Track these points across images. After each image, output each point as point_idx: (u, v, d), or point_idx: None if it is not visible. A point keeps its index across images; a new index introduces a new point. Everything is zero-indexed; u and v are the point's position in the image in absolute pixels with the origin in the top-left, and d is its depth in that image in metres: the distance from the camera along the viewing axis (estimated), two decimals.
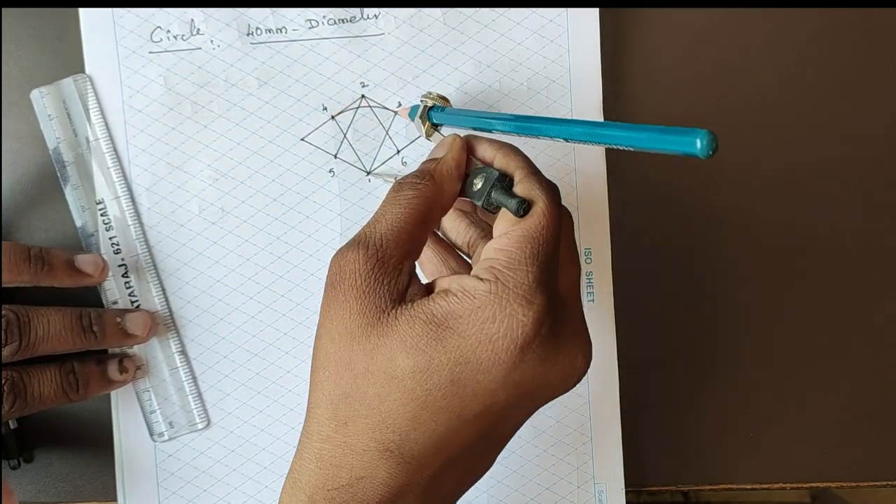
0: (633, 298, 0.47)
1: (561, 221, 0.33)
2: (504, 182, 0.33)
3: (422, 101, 0.42)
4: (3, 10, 0.46)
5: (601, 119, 0.46)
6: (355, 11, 0.45)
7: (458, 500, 0.35)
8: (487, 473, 0.46)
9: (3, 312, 0.41)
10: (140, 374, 0.46)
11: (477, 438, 0.32)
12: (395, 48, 0.46)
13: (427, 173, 0.34)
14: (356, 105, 0.46)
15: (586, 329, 0.33)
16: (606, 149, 0.46)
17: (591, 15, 0.45)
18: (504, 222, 0.33)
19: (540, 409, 0.46)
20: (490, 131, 0.36)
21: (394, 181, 0.35)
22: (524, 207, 0.32)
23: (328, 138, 0.46)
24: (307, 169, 0.46)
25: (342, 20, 0.45)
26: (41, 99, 0.45)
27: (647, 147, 0.27)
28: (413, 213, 0.33)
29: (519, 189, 0.33)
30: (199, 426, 0.46)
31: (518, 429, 0.35)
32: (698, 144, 0.25)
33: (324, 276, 0.45)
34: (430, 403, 0.30)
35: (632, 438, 0.47)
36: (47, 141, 0.45)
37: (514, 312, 0.30)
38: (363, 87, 0.46)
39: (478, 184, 0.34)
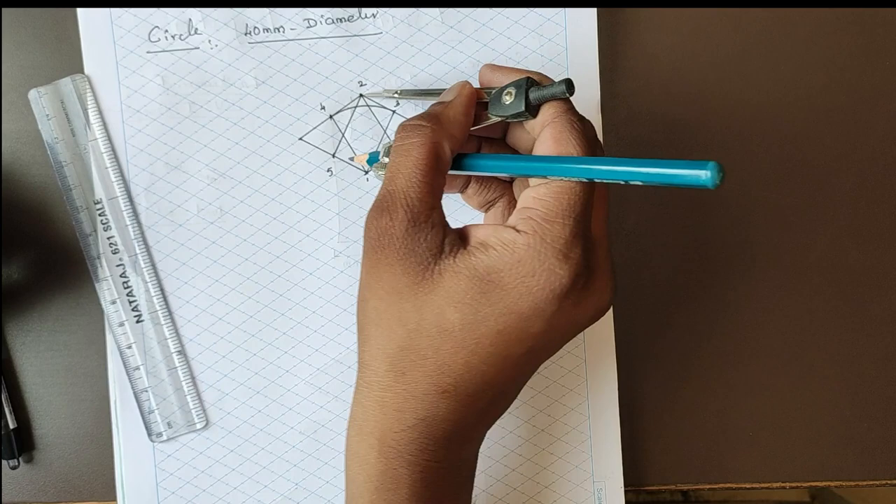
0: (632, 297, 0.47)
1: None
2: (534, 82, 0.34)
3: (382, 147, 0.41)
4: (3, 10, 0.46)
5: (599, 118, 0.46)
6: (353, 10, 0.45)
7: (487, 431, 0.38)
8: (486, 472, 0.47)
9: None
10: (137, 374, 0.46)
11: (521, 373, 0.35)
12: (392, 47, 0.46)
13: (433, 116, 0.35)
14: (354, 104, 0.46)
15: (611, 268, 0.35)
16: (605, 146, 0.46)
17: (589, 13, 0.45)
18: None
19: (538, 408, 0.46)
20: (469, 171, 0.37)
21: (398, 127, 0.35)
22: (571, 85, 0.33)
23: (326, 137, 0.46)
24: (305, 168, 0.46)
25: (340, 19, 0.45)
26: (39, 99, 0.45)
27: (652, 181, 0.29)
28: (424, 160, 0.34)
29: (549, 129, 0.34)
30: (198, 426, 0.46)
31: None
32: (704, 174, 0.27)
33: (322, 275, 0.46)
34: (479, 350, 0.32)
35: (631, 437, 0.47)
36: (45, 141, 0.45)
37: (553, 267, 0.32)
38: (361, 85, 0.46)
39: (509, 97, 0.35)
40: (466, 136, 0.36)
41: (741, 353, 0.48)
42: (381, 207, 0.33)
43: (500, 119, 0.35)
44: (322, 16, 0.45)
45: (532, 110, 0.34)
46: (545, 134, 0.33)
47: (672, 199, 0.47)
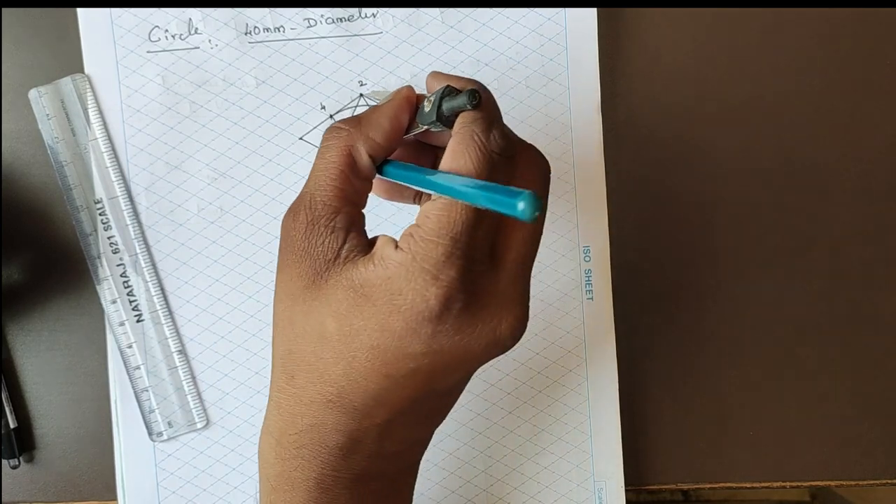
0: (633, 296, 0.47)
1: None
2: (454, 92, 0.32)
3: None
4: (3, 10, 0.46)
5: (599, 118, 0.46)
6: (353, 10, 0.45)
7: (420, 443, 0.37)
8: (487, 472, 0.47)
9: None
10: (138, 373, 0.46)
11: (416, 395, 0.32)
12: (393, 47, 0.46)
13: (355, 119, 0.34)
14: (354, 104, 0.46)
15: (519, 296, 0.32)
16: (605, 146, 0.46)
17: (589, 13, 0.45)
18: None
19: (539, 407, 0.46)
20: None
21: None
22: (475, 96, 0.31)
23: None
24: (306, 168, 0.46)
25: (340, 19, 0.45)
26: (39, 98, 0.45)
27: (480, 203, 0.28)
28: (334, 163, 0.33)
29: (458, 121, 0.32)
30: (199, 425, 0.46)
31: (464, 384, 0.36)
32: (521, 206, 0.26)
33: None
34: (357, 364, 0.31)
35: (631, 437, 0.47)
36: (45, 140, 0.45)
37: (419, 287, 0.30)
38: (361, 85, 0.46)
39: (427, 106, 0.33)
40: (394, 140, 0.34)
41: (741, 352, 0.48)
42: (291, 208, 0.33)
43: (424, 128, 0.34)
44: (322, 15, 0.45)
45: (446, 121, 0.32)
46: (448, 146, 0.32)
47: (672, 198, 0.47)
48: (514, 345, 0.32)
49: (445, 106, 0.32)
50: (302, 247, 0.32)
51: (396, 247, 0.31)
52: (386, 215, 0.46)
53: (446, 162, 0.31)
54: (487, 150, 0.31)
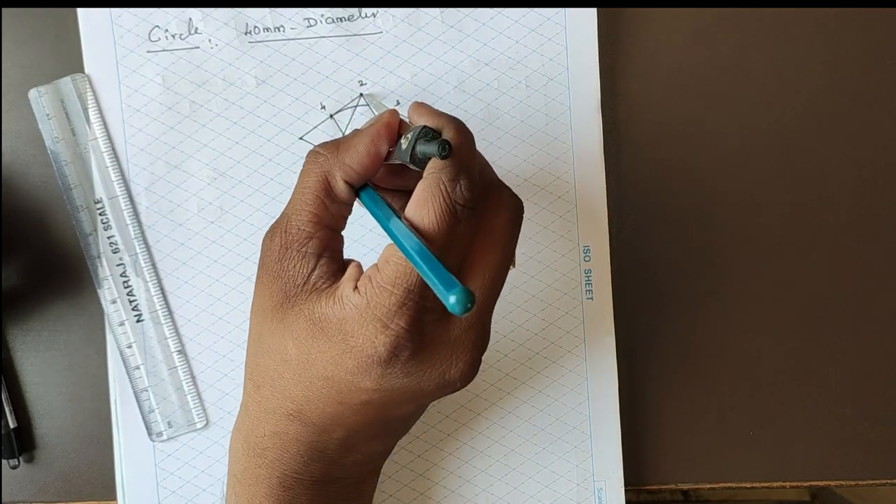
0: (633, 296, 0.47)
1: (454, 232, 0.32)
2: (430, 134, 0.33)
3: None
4: (3, 10, 0.46)
5: (599, 118, 0.46)
6: (353, 10, 0.45)
7: (381, 454, 0.39)
8: (486, 471, 0.47)
9: None
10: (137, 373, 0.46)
11: (370, 420, 0.34)
12: (393, 46, 0.46)
13: (333, 145, 0.34)
14: (354, 103, 0.46)
15: (471, 343, 0.33)
16: (604, 146, 0.46)
17: (589, 13, 0.45)
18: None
19: (538, 407, 0.46)
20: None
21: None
22: (445, 148, 0.31)
23: (327, 137, 0.46)
24: None
25: (340, 19, 0.45)
26: (39, 98, 0.45)
27: (420, 274, 0.29)
28: (311, 189, 0.34)
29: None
30: (199, 425, 0.46)
31: (422, 411, 0.37)
32: (452, 300, 0.27)
33: None
34: (314, 389, 0.33)
35: (631, 437, 0.47)
36: (45, 140, 0.45)
37: (369, 334, 0.31)
38: (361, 85, 0.46)
39: (404, 143, 0.33)
40: (371, 168, 0.34)
41: (741, 352, 0.48)
42: (271, 228, 0.34)
43: (399, 162, 0.34)
44: (322, 15, 0.45)
45: (419, 163, 0.33)
46: (415, 190, 0.32)
47: (672, 198, 0.47)
48: (464, 386, 0.34)
49: (418, 149, 0.33)
50: (275, 269, 0.33)
51: (356, 287, 0.32)
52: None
53: (411, 208, 0.32)
54: (451, 200, 0.31)
